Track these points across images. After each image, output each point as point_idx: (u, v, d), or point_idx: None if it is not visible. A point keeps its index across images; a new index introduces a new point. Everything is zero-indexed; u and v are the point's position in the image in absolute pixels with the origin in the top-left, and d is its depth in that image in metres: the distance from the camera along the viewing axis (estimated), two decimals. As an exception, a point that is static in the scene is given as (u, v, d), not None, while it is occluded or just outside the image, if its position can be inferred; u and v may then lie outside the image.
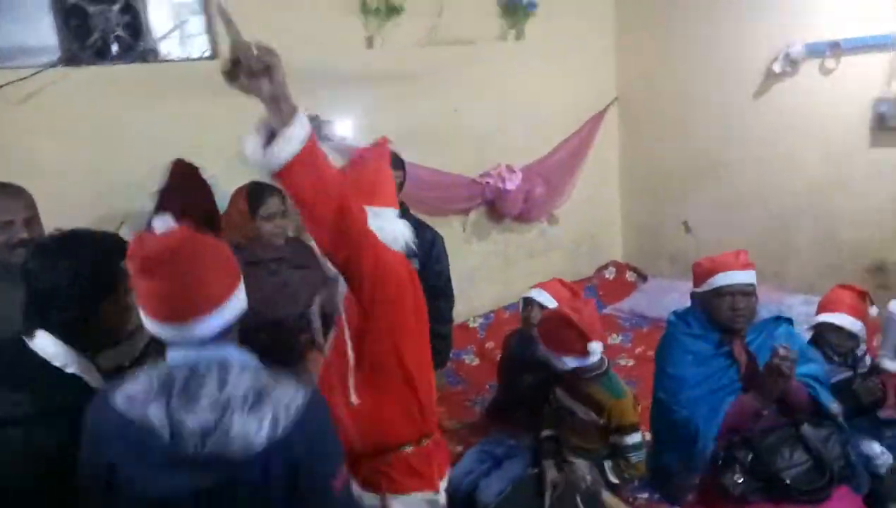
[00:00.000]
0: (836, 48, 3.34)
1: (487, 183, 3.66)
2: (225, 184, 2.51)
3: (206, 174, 2.55)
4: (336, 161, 1.74)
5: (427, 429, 1.65)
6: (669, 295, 3.63)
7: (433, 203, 3.44)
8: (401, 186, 2.54)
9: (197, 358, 1.12)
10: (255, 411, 1.06)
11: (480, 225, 3.87)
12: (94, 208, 2.46)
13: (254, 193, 2.34)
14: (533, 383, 2.46)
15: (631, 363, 3.41)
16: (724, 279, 2.05)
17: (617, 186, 4.55)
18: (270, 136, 1.23)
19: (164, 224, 1.13)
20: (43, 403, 1.25)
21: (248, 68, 1.13)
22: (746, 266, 2.08)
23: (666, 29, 4.04)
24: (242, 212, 2.34)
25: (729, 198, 3.97)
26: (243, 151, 1.25)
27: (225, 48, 2.73)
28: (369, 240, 1.45)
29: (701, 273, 2.13)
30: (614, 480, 2.12)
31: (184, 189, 2.47)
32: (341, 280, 1.52)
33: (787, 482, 1.92)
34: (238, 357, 1.15)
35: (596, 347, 2.06)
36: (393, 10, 3.17)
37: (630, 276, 4.41)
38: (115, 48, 2.64)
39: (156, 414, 1.07)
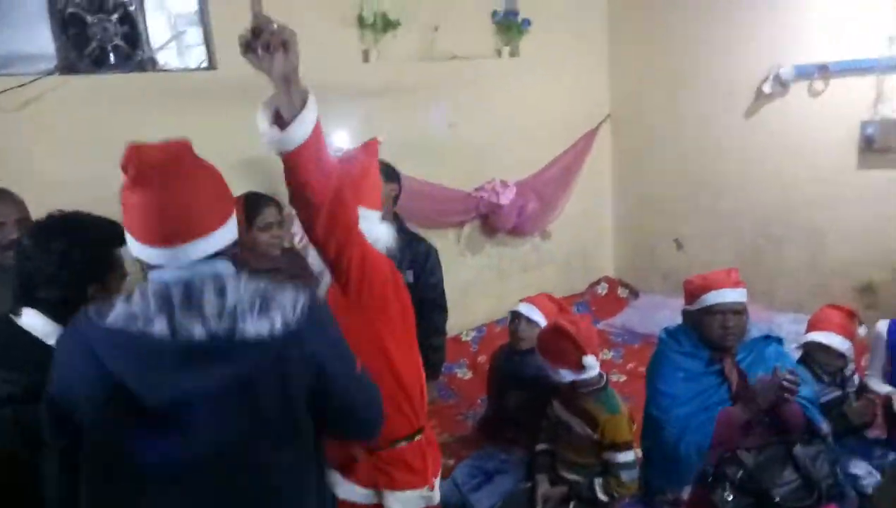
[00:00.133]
0: (825, 70, 3.40)
1: (482, 197, 3.68)
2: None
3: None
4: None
5: (418, 424, 1.66)
6: (661, 312, 3.65)
7: (428, 215, 3.46)
8: (396, 199, 2.55)
9: (191, 275, 1.09)
10: (264, 314, 1.08)
11: (474, 238, 3.89)
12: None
13: (250, 203, 2.35)
14: (520, 402, 2.47)
15: (623, 379, 3.42)
16: (715, 297, 2.07)
17: (609, 202, 4.59)
18: (275, 115, 1.26)
19: None
20: (34, 380, 1.21)
21: (265, 41, 1.16)
22: (737, 284, 2.10)
23: (658, 48, 4.10)
24: (239, 222, 2.32)
25: (720, 215, 4.01)
26: (257, 126, 1.28)
27: (222, 58, 2.79)
28: (358, 233, 1.48)
29: (692, 290, 2.15)
30: (603, 497, 2.12)
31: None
32: (326, 274, 1.53)
33: (777, 499, 1.94)
34: (230, 270, 1.14)
35: (590, 361, 2.07)
36: (389, 25, 3.20)
37: (622, 292, 4.43)
38: (112, 57, 2.64)
39: (161, 328, 1.05)
